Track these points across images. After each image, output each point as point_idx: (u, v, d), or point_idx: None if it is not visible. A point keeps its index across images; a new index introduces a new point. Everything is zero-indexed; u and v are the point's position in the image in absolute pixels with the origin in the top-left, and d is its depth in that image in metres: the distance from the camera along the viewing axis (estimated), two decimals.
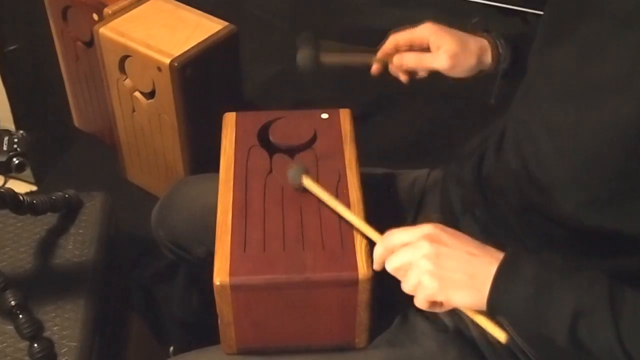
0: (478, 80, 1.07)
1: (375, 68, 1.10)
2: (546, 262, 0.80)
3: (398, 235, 0.86)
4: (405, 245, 0.84)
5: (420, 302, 0.84)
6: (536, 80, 0.89)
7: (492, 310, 0.81)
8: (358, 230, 0.94)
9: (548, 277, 0.79)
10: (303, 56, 1.06)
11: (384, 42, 1.07)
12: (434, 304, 0.83)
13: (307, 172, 1.00)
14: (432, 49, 1.04)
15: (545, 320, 0.79)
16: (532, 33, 0.94)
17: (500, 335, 0.82)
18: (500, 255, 0.81)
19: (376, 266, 0.89)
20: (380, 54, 1.08)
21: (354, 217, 0.95)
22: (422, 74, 1.08)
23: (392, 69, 1.08)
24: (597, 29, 0.78)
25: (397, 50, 1.06)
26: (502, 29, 1.07)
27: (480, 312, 0.82)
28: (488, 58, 1.04)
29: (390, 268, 0.86)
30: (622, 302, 0.76)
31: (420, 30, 1.05)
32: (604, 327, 0.76)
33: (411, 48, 1.06)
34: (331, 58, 1.08)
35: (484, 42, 1.05)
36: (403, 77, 1.09)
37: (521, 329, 0.91)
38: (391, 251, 0.86)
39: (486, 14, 1.99)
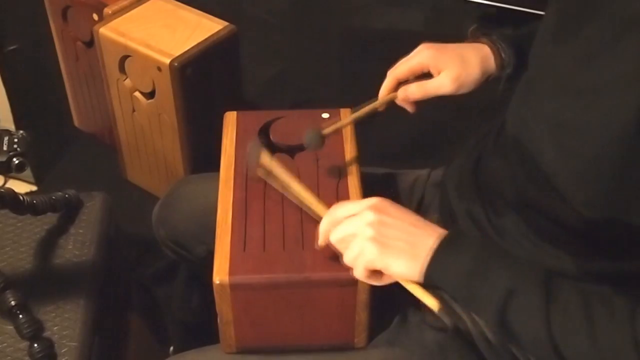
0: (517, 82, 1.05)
1: (382, 109, 1.06)
2: (487, 242, 0.82)
3: (343, 208, 0.87)
4: (350, 216, 0.85)
5: (359, 272, 0.84)
6: (538, 78, 0.89)
7: (427, 280, 0.82)
8: (309, 208, 0.94)
9: (487, 256, 0.80)
10: (310, 138, 1.03)
11: (384, 84, 1.05)
12: (373, 273, 0.84)
13: (265, 150, 0.98)
14: (434, 74, 1.02)
15: (478, 297, 0.80)
16: (534, 32, 0.93)
17: (433, 304, 0.82)
18: (442, 231, 0.83)
19: (320, 240, 0.89)
20: (383, 94, 1.05)
21: (306, 194, 0.94)
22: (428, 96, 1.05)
23: (399, 102, 1.06)
24: (602, 29, 0.78)
25: (399, 84, 1.04)
26: (503, 30, 1.06)
27: (415, 282, 0.83)
28: (491, 65, 1.03)
29: (333, 239, 0.86)
30: (557, 290, 0.77)
31: (418, 57, 1.03)
32: (534, 311, 0.76)
33: (413, 76, 1.04)
34: (336, 126, 1.05)
35: (485, 50, 1.03)
36: (410, 108, 1.07)
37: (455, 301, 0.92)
38: (336, 224, 0.86)
39: (486, 17, 1.99)
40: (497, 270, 0.79)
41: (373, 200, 0.86)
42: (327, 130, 1.02)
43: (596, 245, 0.83)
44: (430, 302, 0.83)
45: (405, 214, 0.85)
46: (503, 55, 1.03)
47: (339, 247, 0.86)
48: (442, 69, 1.01)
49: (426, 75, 1.04)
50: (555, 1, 0.88)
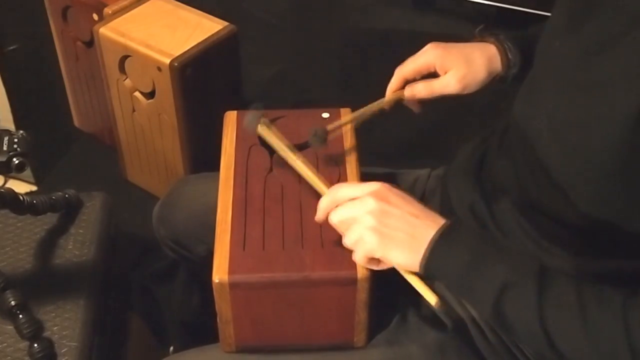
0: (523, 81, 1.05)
1: (388, 107, 1.07)
2: (486, 236, 0.83)
3: (346, 189, 0.88)
4: (351, 199, 0.86)
5: (359, 257, 0.86)
6: (542, 75, 0.89)
7: (425, 272, 0.83)
8: (309, 181, 0.95)
9: (484, 248, 0.81)
10: (314, 137, 1.03)
11: (391, 82, 1.06)
12: (371, 260, 0.86)
13: (264, 119, 1.00)
14: (440, 73, 1.03)
15: (474, 289, 0.81)
16: (540, 32, 0.93)
17: (431, 298, 0.84)
18: (442, 221, 0.84)
19: (319, 215, 0.90)
20: (389, 93, 1.06)
21: (305, 168, 0.96)
22: (434, 96, 1.06)
23: (405, 102, 1.07)
24: (606, 25, 0.78)
25: (405, 83, 1.05)
26: (510, 30, 1.06)
27: (414, 273, 0.84)
28: (497, 65, 1.03)
29: (334, 220, 0.88)
30: (550, 282, 0.78)
31: (424, 56, 1.04)
32: (528, 303, 0.77)
33: (420, 75, 1.05)
34: (340, 123, 1.06)
35: (491, 50, 1.03)
36: (416, 108, 1.08)
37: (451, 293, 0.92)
38: (337, 204, 0.87)
39: (487, 18, 1.99)
40: (494, 263, 0.80)
41: (375, 186, 0.86)
42: (331, 127, 1.03)
43: (599, 245, 0.84)
44: (429, 296, 0.84)
45: (407, 202, 0.86)
46: (509, 55, 1.03)
47: (339, 228, 0.88)
48: (448, 68, 1.02)
49: (432, 75, 1.04)
50: None
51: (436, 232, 0.82)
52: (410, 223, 0.84)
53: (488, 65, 1.03)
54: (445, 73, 1.02)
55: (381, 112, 1.06)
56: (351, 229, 0.85)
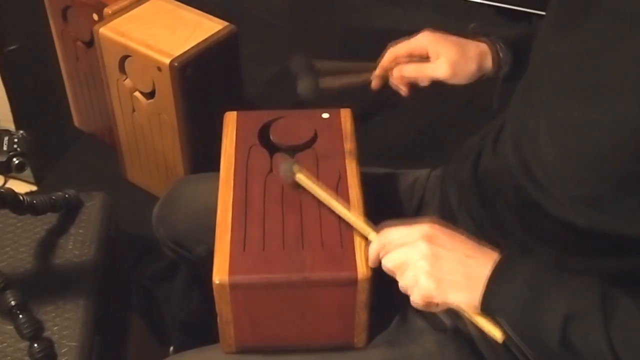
0: (479, 81, 1.06)
1: (375, 84, 1.08)
2: (540, 265, 0.81)
3: (395, 233, 0.87)
4: (402, 243, 0.85)
5: (416, 301, 0.84)
6: (538, 76, 0.89)
7: (486, 310, 0.81)
8: (352, 225, 0.94)
9: (541, 280, 0.79)
10: (305, 87, 1.03)
11: (382, 56, 1.06)
12: (430, 303, 0.84)
13: (299, 166, 1.00)
14: (432, 58, 1.03)
15: (538, 323, 0.79)
16: (533, 33, 0.93)
17: (496, 333, 0.82)
18: (496, 257, 0.82)
19: (371, 263, 0.89)
20: (379, 69, 1.06)
21: (348, 212, 0.95)
22: (423, 83, 1.06)
23: (393, 82, 1.07)
24: (604, 27, 0.77)
25: (396, 62, 1.05)
26: (502, 31, 1.06)
27: (476, 311, 0.83)
28: (488, 63, 1.03)
29: (387, 266, 0.86)
30: (614, 307, 0.76)
31: (418, 39, 1.04)
32: (595, 331, 0.76)
33: (410, 59, 1.05)
34: (332, 82, 1.06)
35: (483, 47, 1.04)
36: (404, 90, 1.07)
37: (514, 330, 0.91)
38: (387, 249, 0.86)
39: (487, 18, 1.99)
40: (553, 296, 0.78)
41: (425, 229, 0.84)
42: (326, 83, 1.03)
43: (597, 245, 0.83)
44: (494, 332, 0.82)
45: (459, 242, 0.84)
46: (501, 54, 1.03)
47: (392, 273, 0.86)
48: (440, 54, 1.02)
49: (423, 61, 1.04)
50: None
51: (491, 270, 0.81)
52: (464, 263, 0.82)
53: (479, 59, 1.03)
54: (438, 58, 1.02)
55: (363, 86, 1.06)
56: (405, 274, 0.84)
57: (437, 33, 1.04)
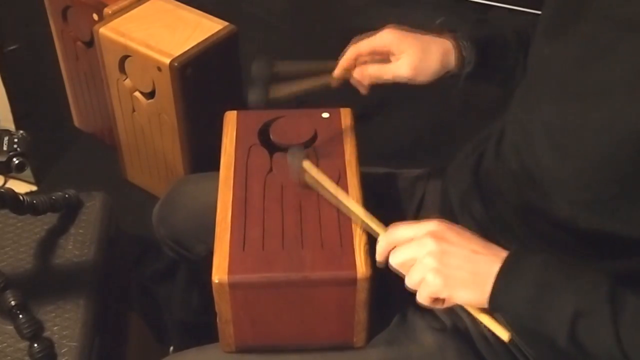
0: (477, 81, 1.05)
1: (335, 84, 1.05)
2: (549, 262, 0.80)
3: (402, 231, 0.86)
4: (409, 240, 0.84)
5: (423, 298, 0.84)
6: (535, 80, 0.89)
7: (494, 308, 0.81)
8: (360, 221, 0.94)
9: (549, 278, 0.79)
10: (253, 98, 1.01)
11: (343, 54, 1.04)
12: (436, 300, 0.83)
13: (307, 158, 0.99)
14: (395, 56, 1.01)
15: (546, 321, 0.79)
16: (500, 34, 0.91)
17: (502, 333, 0.82)
18: (504, 254, 0.81)
19: (379, 259, 0.88)
20: (339, 69, 1.04)
21: (358, 208, 0.94)
22: (385, 79, 1.03)
23: (354, 82, 1.05)
24: (598, 31, 0.78)
25: (358, 60, 1.03)
26: (469, 29, 1.05)
27: (483, 310, 0.83)
28: (451, 61, 1.01)
29: (394, 263, 0.85)
30: (623, 304, 0.76)
31: (382, 37, 1.02)
32: (603, 329, 0.76)
33: (372, 56, 1.03)
34: (284, 91, 1.04)
35: (447, 45, 1.02)
36: (363, 89, 1.05)
37: (521, 328, 0.91)
38: (394, 246, 0.86)
39: (487, 18, 1.99)
40: (561, 293, 0.78)
41: (433, 226, 0.84)
42: (277, 93, 1.01)
43: (598, 247, 0.83)
44: (500, 332, 0.82)
45: (466, 239, 0.83)
46: (464, 53, 1.01)
47: (399, 270, 0.85)
48: (403, 53, 1.00)
49: (384, 61, 1.02)
50: (548, 2, 0.88)
51: (499, 267, 0.80)
52: (471, 260, 0.81)
53: (442, 58, 1.01)
54: (400, 57, 1.01)
55: (326, 88, 1.04)
56: (413, 271, 0.83)
57: (400, 30, 1.02)
